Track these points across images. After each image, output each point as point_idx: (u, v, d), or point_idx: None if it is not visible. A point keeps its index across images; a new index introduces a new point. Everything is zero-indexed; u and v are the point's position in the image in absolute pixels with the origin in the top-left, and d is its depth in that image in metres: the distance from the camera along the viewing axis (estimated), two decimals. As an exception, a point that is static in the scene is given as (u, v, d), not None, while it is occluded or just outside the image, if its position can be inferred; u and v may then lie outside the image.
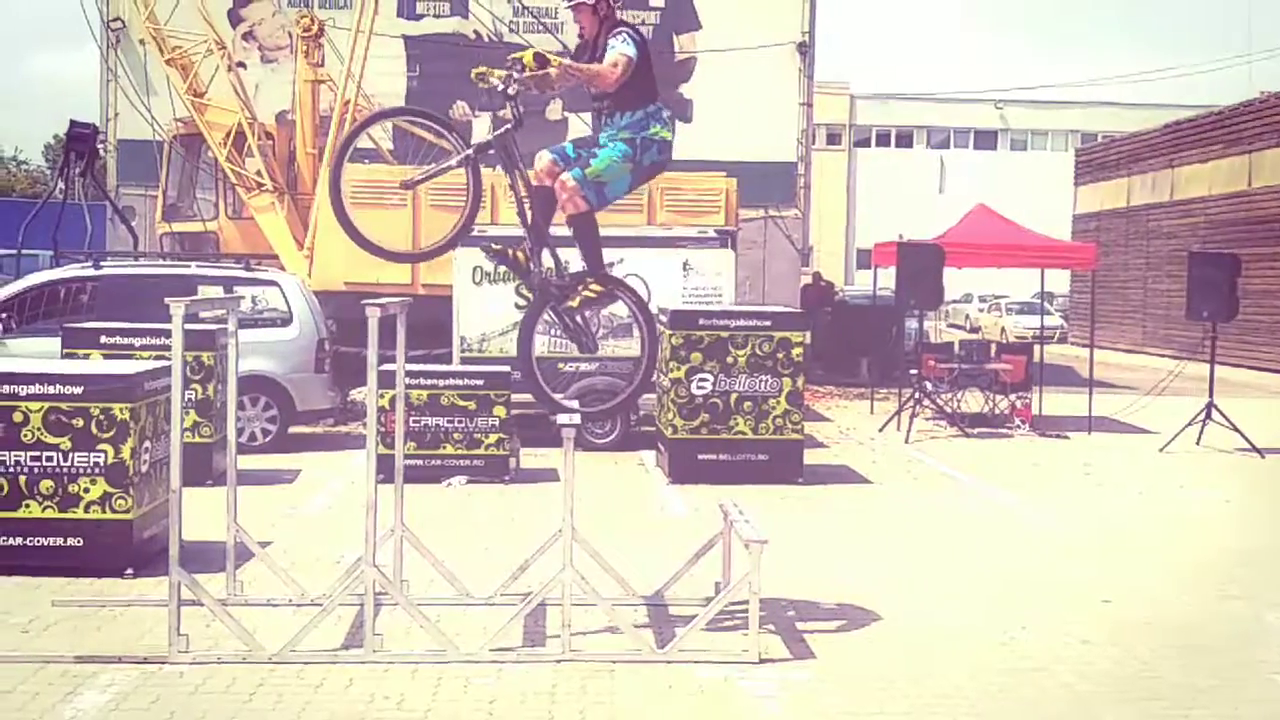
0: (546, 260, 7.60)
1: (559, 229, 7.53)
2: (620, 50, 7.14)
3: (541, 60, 7.04)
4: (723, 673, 7.11)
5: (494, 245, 7.84)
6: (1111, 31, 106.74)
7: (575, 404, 8.46)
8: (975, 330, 43.14)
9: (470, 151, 7.28)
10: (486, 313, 15.61)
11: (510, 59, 7.12)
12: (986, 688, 7.02)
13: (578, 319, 7.79)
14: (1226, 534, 11.55)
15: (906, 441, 16.59)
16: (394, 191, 15.39)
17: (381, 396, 9.89)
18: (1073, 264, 24.38)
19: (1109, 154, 40.51)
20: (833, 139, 62.60)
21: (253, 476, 11.77)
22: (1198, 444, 16.30)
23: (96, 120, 22.85)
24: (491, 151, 7.36)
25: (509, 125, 7.30)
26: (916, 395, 17.58)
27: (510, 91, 7.13)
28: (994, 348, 19.70)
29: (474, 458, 13.21)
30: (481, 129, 24.07)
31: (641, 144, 7.34)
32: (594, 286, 7.57)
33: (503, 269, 15.32)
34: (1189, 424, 16.44)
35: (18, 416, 8.77)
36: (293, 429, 15.34)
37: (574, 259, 7.70)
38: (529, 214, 7.47)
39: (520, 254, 7.57)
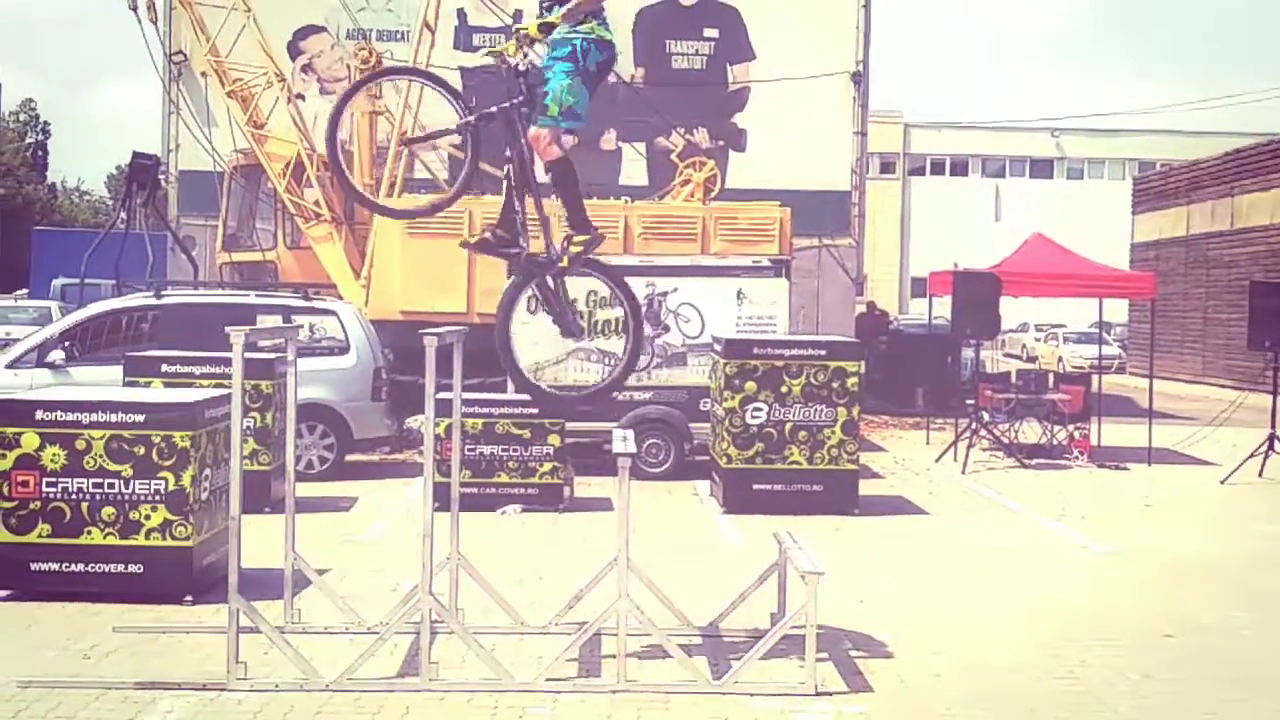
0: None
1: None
2: None
3: (547, 28, 7.04)
4: (779, 705, 7.06)
5: (470, 240, 7.87)
6: (1170, 59, 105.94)
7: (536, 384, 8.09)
8: (1032, 360, 42.75)
9: (472, 119, 7.27)
10: (540, 341, 15.58)
11: (516, 30, 7.15)
12: (1046, 723, 6.94)
13: (560, 295, 7.69)
14: (1291, 568, 11.36)
15: (963, 472, 16.45)
16: (450, 221, 15.55)
17: (437, 425, 9.93)
18: (1131, 293, 24.14)
19: (1167, 182, 40.11)
20: (887, 168, 62.43)
21: (310, 504, 11.85)
22: (1260, 476, 16.06)
23: (158, 151, 23.19)
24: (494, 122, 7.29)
25: (517, 99, 7.26)
26: (973, 425, 17.45)
27: (520, 68, 7.16)
28: (1052, 378, 19.51)
29: (528, 486, 13.25)
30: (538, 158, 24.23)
31: (580, 47, 7.18)
32: (578, 239, 7.44)
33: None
34: (1251, 455, 16.20)
35: (80, 444, 8.89)
36: (349, 457, 15.45)
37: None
38: (513, 194, 7.43)
39: (502, 234, 7.52)
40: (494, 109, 7.32)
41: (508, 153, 7.39)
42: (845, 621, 8.65)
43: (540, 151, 7.23)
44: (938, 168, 65.18)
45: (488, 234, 7.60)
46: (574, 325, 7.98)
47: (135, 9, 20.51)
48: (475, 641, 7.45)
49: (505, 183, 7.46)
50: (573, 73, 7.17)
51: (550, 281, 7.69)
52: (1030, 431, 18.18)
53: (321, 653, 7.69)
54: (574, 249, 7.46)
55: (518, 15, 23.75)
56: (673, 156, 22.18)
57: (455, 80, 23.86)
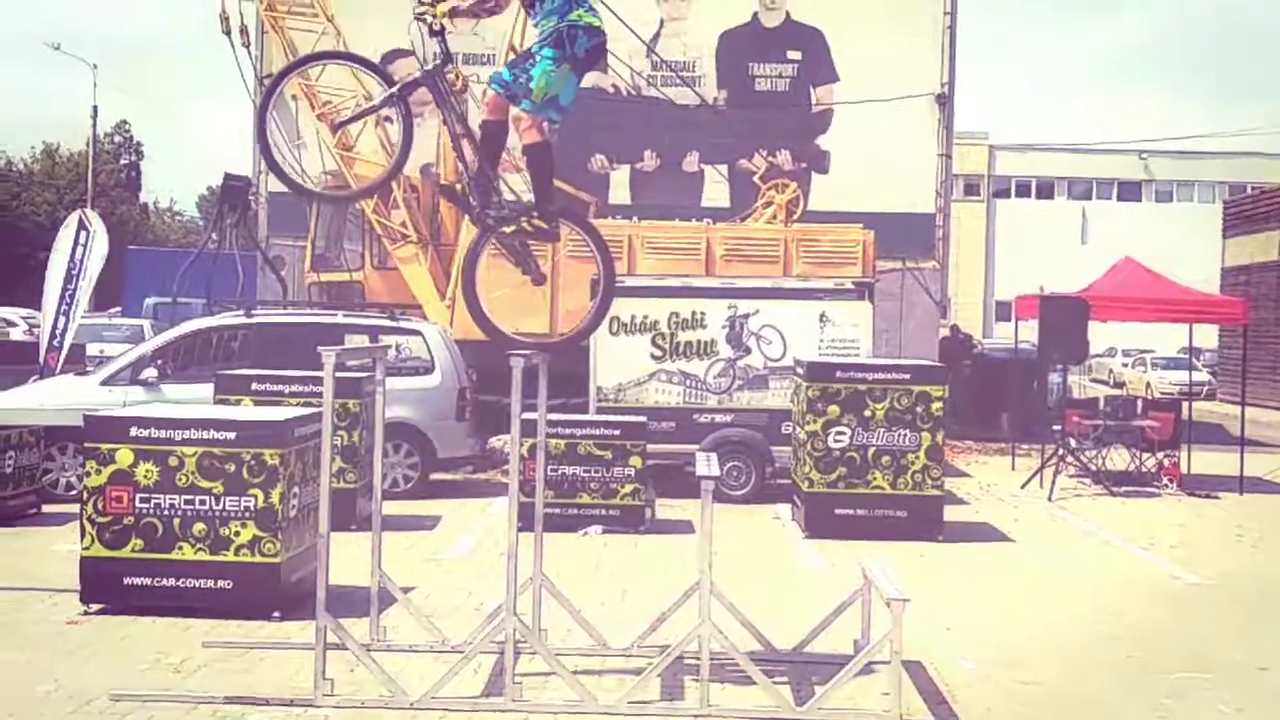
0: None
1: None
2: None
3: None
4: (862, 732, 7.01)
5: (441, 181, 7.91)
6: (1259, 81, 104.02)
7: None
8: (1119, 385, 42.09)
9: (396, 90, 7.32)
10: (623, 362, 15.72)
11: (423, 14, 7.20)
12: (1137, 756, 6.81)
13: (517, 245, 7.68)
14: (1390, 602, 11.07)
15: (1050, 499, 16.22)
16: (538, 246, 15.61)
17: (521, 445, 9.98)
18: (1222, 318, 23.72)
19: (1259, 205, 39.33)
20: (971, 189, 61.85)
21: (394, 522, 11.95)
22: (1357, 506, 15.69)
23: (249, 173, 23.59)
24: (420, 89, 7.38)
25: (438, 62, 7.33)
26: (1060, 452, 17.21)
27: (436, 28, 7.21)
28: (1140, 404, 19.19)
29: (609, 507, 13.26)
30: (620, 180, 24.34)
31: (568, 34, 7.11)
32: (536, 221, 7.46)
33: (640, 319, 15.64)
34: (1348, 485, 15.83)
35: (173, 460, 9.05)
36: (433, 476, 15.57)
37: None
38: (467, 151, 7.48)
39: (461, 187, 7.59)
40: (419, 76, 7.40)
41: (443, 118, 7.49)
42: (930, 649, 8.57)
43: (519, 133, 7.26)
44: (1023, 190, 64.45)
45: (457, 185, 7.68)
46: (537, 275, 7.86)
47: (228, 33, 20.88)
48: (559, 663, 7.47)
49: (453, 139, 7.54)
50: (559, 59, 7.13)
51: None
52: (1118, 458, 17.90)
53: (406, 670, 7.76)
54: (525, 226, 7.48)
55: (601, 38, 24.03)
56: (755, 178, 22.18)
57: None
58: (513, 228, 7.48)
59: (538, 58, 7.18)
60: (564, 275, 16.56)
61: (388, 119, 22.20)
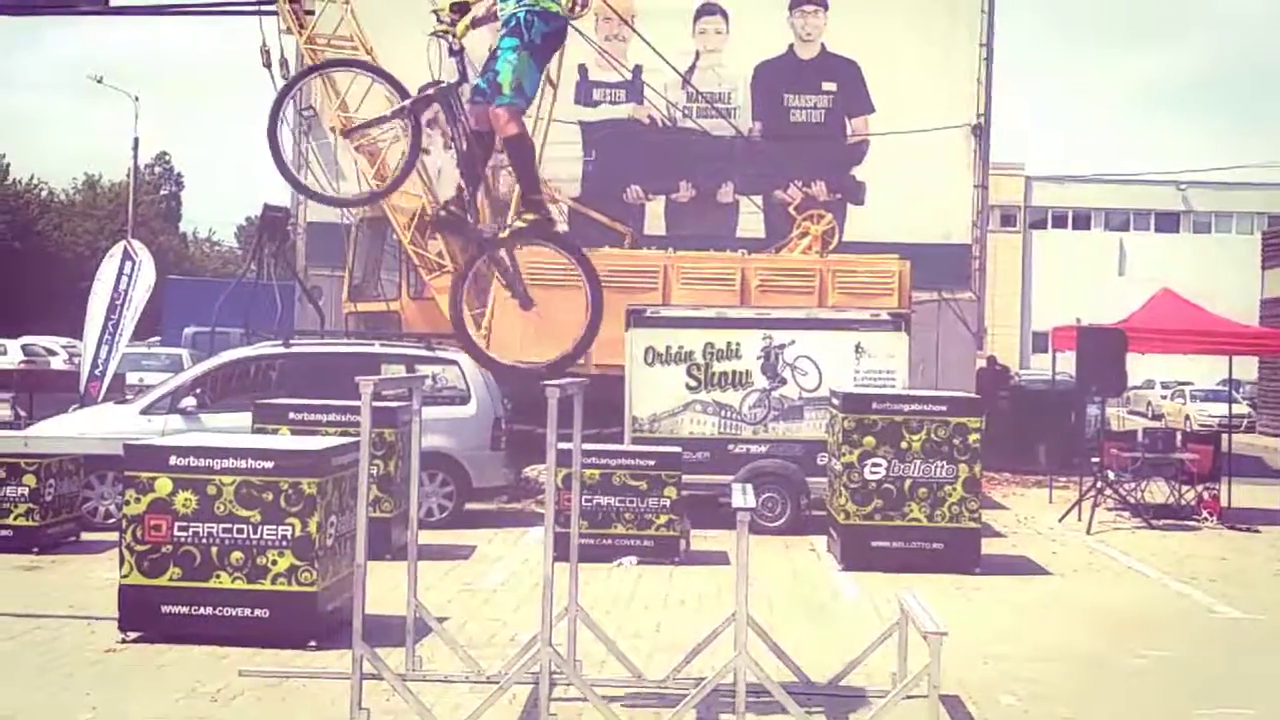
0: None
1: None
2: None
3: (461, 9, 7.19)
4: (899, 767, 6.95)
5: (425, 217, 7.91)
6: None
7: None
8: (1158, 417, 41.75)
9: (408, 103, 7.36)
10: (658, 393, 15.72)
11: (435, 11, 7.24)
12: (1178, 794, 6.73)
13: (508, 264, 7.69)
14: None
15: (1088, 532, 16.08)
16: (570, 271, 15.67)
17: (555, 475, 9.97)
18: (1262, 350, 23.56)
19: (1299, 236, 39.04)
20: (1007, 220, 61.61)
21: (429, 552, 11.97)
22: (1401, 541, 15.48)
23: (287, 204, 23.78)
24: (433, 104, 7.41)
25: (454, 80, 7.36)
26: (1098, 484, 17.06)
27: (456, 47, 7.23)
28: (1179, 436, 19.02)
29: (644, 538, 13.22)
30: (656, 211, 24.38)
31: (525, 20, 7.14)
32: (526, 215, 7.48)
33: (675, 349, 15.65)
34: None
35: (211, 489, 9.10)
36: (468, 505, 15.59)
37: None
38: (471, 165, 7.53)
39: (455, 210, 7.63)
40: (431, 92, 7.41)
41: (452, 135, 7.54)
42: (968, 683, 8.50)
43: (499, 129, 7.28)
44: (1060, 221, 64.20)
45: (443, 211, 7.72)
46: (525, 299, 7.88)
47: (269, 65, 21.11)
48: (595, 695, 7.45)
49: (459, 158, 7.58)
50: (519, 48, 7.16)
51: (503, 254, 7.73)
52: (1157, 491, 17.73)
53: (442, 701, 7.77)
54: (518, 224, 7.51)
55: (637, 70, 24.16)
56: (790, 209, 22.19)
57: (575, 133, 24.31)
58: (507, 231, 7.52)
59: (500, 50, 7.23)
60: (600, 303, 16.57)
61: (425, 150, 22.39)
